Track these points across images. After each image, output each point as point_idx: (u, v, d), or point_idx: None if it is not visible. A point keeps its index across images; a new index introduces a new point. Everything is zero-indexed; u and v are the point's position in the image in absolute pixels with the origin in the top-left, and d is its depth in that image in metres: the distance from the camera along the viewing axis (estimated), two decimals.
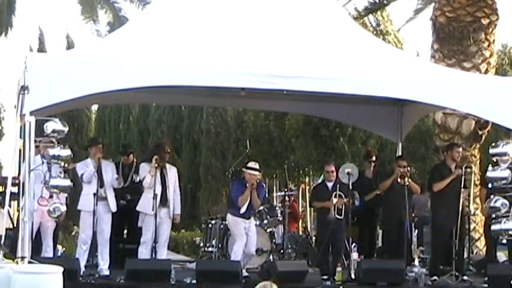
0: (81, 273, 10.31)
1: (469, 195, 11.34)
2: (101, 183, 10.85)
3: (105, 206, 10.88)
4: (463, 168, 11.36)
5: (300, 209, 17.68)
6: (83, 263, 10.57)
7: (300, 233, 15.55)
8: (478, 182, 12.85)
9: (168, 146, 11.68)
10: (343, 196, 11.28)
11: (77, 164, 11.06)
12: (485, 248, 12.29)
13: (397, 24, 20.91)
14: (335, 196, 11.24)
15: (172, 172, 11.18)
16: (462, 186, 11.21)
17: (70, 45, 22.96)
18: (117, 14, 20.55)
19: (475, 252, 13.64)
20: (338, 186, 11.34)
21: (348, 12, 16.92)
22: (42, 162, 9.91)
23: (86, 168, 10.90)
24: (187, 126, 22.98)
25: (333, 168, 11.58)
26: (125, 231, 12.60)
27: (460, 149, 11.80)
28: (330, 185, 11.53)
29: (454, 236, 11.04)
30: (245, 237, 11.08)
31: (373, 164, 12.96)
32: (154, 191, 10.77)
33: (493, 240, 11.26)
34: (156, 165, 10.87)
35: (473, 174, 11.32)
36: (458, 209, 11.10)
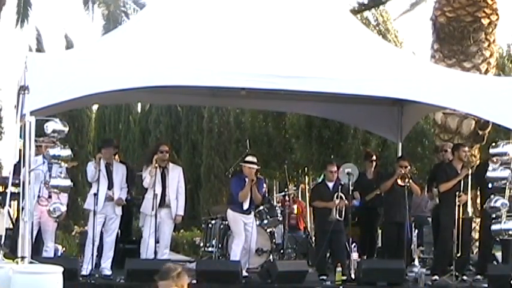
0: (88, 272, 10.39)
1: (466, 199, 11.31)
2: (110, 185, 10.87)
3: (112, 207, 10.89)
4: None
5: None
6: (91, 262, 10.58)
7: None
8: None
9: (167, 145, 11.66)
10: (344, 197, 11.28)
11: (88, 163, 11.19)
12: (478, 248, 12.26)
13: (393, 20, 20.91)
14: (337, 197, 11.24)
15: (175, 172, 11.15)
16: (462, 190, 11.20)
17: (69, 45, 22.98)
18: (111, 9, 20.57)
19: (475, 252, 13.62)
20: (340, 187, 11.34)
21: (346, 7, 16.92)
22: (43, 162, 9.94)
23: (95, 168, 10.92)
24: (185, 126, 22.99)
25: (336, 169, 11.58)
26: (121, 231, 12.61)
27: (466, 148, 11.82)
28: (330, 185, 11.52)
29: (454, 237, 11.03)
30: (243, 236, 11.07)
31: (373, 164, 12.96)
32: (154, 191, 10.78)
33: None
34: (157, 165, 10.88)
35: (469, 177, 11.30)
36: (456, 210, 11.10)
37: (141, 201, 11.20)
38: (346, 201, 11.28)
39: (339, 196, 11.24)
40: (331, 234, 11.20)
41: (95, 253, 10.69)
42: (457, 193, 11.15)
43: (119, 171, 11.06)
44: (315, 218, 12.51)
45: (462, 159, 11.51)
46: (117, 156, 12.29)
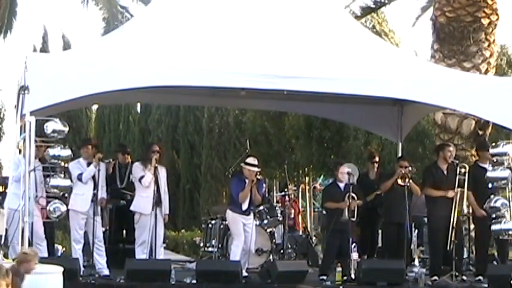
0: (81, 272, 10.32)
1: (462, 196, 11.24)
2: (95, 185, 10.77)
3: (95, 207, 10.72)
4: (458, 168, 11.28)
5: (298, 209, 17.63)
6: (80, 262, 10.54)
7: (300, 232, 15.54)
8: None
9: (160, 146, 11.62)
10: (356, 198, 11.25)
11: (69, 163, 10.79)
12: (475, 248, 12.25)
13: (402, 23, 20.92)
14: (348, 198, 11.21)
15: (162, 172, 11.15)
16: (457, 186, 11.15)
17: (66, 46, 23.00)
18: (112, 10, 20.51)
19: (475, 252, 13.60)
20: (351, 187, 11.30)
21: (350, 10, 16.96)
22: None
23: (81, 167, 10.72)
24: (183, 126, 22.98)
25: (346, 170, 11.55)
26: (124, 231, 12.59)
27: (451, 148, 11.72)
28: (341, 185, 11.49)
29: (450, 236, 11.03)
30: (242, 236, 11.06)
31: (376, 165, 12.94)
32: (154, 191, 10.78)
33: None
34: (156, 165, 10.89)
35: (466, 175, 11.21)
36: (451, 210, 11.08)
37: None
38: (357, 201, 11.26)
39: (350, 196, 11.21)
40: (341, 235, 11.18)
41: (80, 254, 10.64)
42: (453, 191, 11.12)
43: (101, 171, 10.92)
44: (327, 218, 12.38)
45: (447, 159, 11.44)
46: (129, 157, 12.31)
